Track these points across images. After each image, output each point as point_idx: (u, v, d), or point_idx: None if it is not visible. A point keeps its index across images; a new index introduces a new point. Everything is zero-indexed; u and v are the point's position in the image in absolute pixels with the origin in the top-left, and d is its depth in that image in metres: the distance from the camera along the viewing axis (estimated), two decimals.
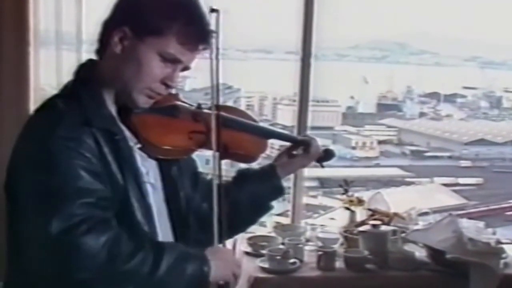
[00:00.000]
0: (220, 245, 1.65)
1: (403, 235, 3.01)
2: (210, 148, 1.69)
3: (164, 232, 1.66)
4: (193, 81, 4.97)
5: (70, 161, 1.45)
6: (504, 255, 2.90)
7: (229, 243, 1.70)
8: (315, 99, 5.95)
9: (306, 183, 5.98)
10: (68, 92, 1.59)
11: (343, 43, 6.25)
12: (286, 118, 5.09)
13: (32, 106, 2.91)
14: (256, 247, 3.01)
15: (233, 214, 1.74)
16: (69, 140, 1.47)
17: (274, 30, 5.55)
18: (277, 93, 5.91)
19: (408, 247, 2.99)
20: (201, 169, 1.90)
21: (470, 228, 2.94)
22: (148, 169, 1.65)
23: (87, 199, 1.44)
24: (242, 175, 1.94)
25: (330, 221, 4.26)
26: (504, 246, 3.06)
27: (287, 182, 3.66)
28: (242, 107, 6.02)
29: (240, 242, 3.20)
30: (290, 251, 2.90)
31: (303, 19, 3.53)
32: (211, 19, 1.62)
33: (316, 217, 5.46)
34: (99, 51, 1.63)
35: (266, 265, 2.86)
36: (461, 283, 2.78)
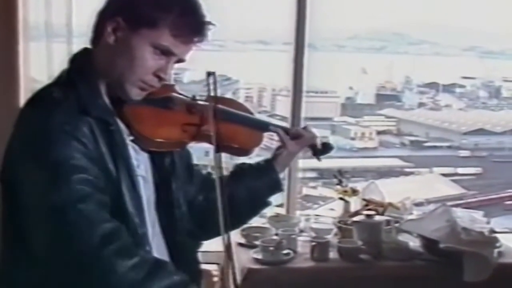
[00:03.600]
0: None
1: (397, 225, 3.01)
2: (204, 141, 1.68)
3: (152, 223, 1.65)
4: (192, 73, 4.96)
5: (68, 142, 1.46)
6: (497, 244, 2.89)
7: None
8: (313, 90, 5.95)
9: (307, 174, 5.96)
10: (64, 81, 1.58)
11: (342, 34, 6.22)
12: (285, 109, 5.07)
13: (22, 99, 2.89)
14: (250, 238, 3.01)
15: (231, 209, 1.72)
16: (66, 124, 1.47)
17: (273, 21, 5.53)
18: (276, 84, 5.89)
19: (402, 237, 2.98)
20: (197, 161, 1.88)
21: (464, 217, 2.94)
22: (140, 162, 1.64)
23: (85, 175, 1.45)
24: (239, 170, 1.91)
25: (329, 212, 4.22)
26: (500, 235, 3.05)
27: (282, 174, 3.67)
28: (241, 99, 6.00)
29: (234, 232, 3.20)
30: (283, 242, 2.89)
31: (296, 9, 3.50)
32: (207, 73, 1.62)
33: (316, 208, 5.45)
34: (93, 41, 1.61)
35: (259, 256, 2.85)
36: (455, 273, 2.77)
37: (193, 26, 1.58)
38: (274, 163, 1.91)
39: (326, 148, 1.98)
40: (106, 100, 1.60)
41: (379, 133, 6.42)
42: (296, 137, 1.92)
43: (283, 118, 4.00)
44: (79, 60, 1.61)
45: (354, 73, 6.51)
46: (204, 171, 1.90)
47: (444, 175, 6.34)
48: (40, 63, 2.79)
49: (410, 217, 3.08)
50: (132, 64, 1.55)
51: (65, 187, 1.43)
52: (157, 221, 1.69)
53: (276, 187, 1.93)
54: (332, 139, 6.27)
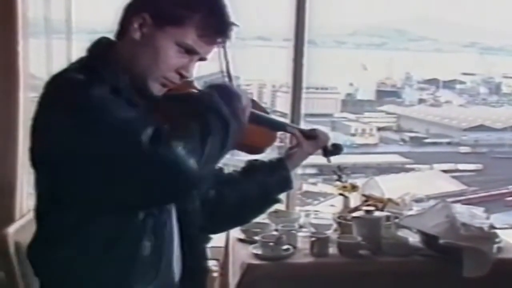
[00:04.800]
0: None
1: (396, 220, 3.00)
2: None
3: (168, 215, 1.66)
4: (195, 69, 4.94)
5: (115, 104, 1.45)
6: (497, 240, 2.89)
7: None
8: (313, 86, 5.96)
9: (307, 170, 5.96)
10: (85, 66, 1.57)
11: (342, 30, 6.21)
12: (285, 105, 5.07)
13: (22, 96, 2.88)
14: (249, 234, 3.00)
15: (241, 205, 1.78)
16: (105, 97, 1.46)
17: (273, 17, 5.52)
18: (276, 81, 5.89)
19: (402, 233, 2.97)
20: None
21: (464, 213, 2.93)
22: None
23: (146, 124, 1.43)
24: (250, 167, 1.93)
25: (329, 208, 4.23)
26: (500, 231, 3.05)
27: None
28: None
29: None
30: (283, 238, 2.88)
31: (295, 5, 3.49)
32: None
33: (316, 204, 5.45)
34: (118, 35, 1.62)
35: (259, 252, 2.84)
36: (454, 268, 2.76)
37: (219, 27, 1.59)
38: (287, 161, 1.94)
39: (336, 149, 2.01)
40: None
41: (379, 129, 6.43)
42: (312, 138, 1.94)
43: (283, 114, 4.00)
44: (101, 49, 1.61)
45: (354, 70, 6.52)
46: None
47: (445, 171, 6.34)
48: (39, 60, 2.78)
49: (409, 212, 3.07)
50: (156, 61, 1.56)
51: (138, 130, 1.40)
52: (173, 214, 1.69)
53: (286, 184, 1.95)
54: (332, 136, 6.27)
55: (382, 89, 6.57)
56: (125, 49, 1.59)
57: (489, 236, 2.84)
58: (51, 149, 1.48)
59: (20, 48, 2.91)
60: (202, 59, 1.63)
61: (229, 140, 1.50)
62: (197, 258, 1.76)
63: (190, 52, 1.58)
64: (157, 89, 1.60)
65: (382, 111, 6.56)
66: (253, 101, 1.94)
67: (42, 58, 2.91)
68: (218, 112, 1.50)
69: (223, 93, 1.56)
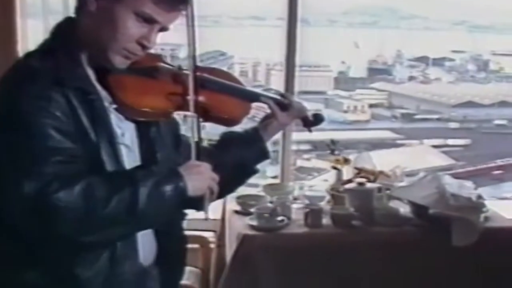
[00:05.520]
0: (195, 161, 1.59)
1: (388, 192, 3.02)
2: (189, 110, 1.62)
3: None
4: (186, 49, 4.92)
5: (40, 121, 1.41)
6: (484, 209, 2.92)
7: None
8: (307, 64, 5.94)
9: (301, 146, 5.96)
10: (45, 49, 1.54)
11: (334, 9, 6.19)
12: (279, 83, 5.07)
13: None
14: (245, 206, 3.03)
15: (219, 177, 1.68)
16: (40, 99, 1.43)
17: None
18: (270, 59, 5.87)
19: (393, 204, 3.01)
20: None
21: (452, 184, 2.96)
22: (124, 131, 1.60)
23: (57, 157, 1.41)
24: (226, 139, 1.88)
25: (323, 183, 4.25)
26: (487, 202, 3.07)
27: (276, 146, 3.67)
28: (236, 73, 5.98)
29: (230, 200, 3.22)
30: (278, 209, 2.91)
31: None
32: None
33: (310, 179, 5.46)
34: (77, 10, 1.57)
35: (254, 223, 2.87)
36: (443, 237, 2.80)
37: None
38: (262, 132, 1.88)
39: (317, 119, 1.96)
40: (88, 69, 1.56)
41: (371, 106, 6.41)
42: (287, 108, 1.89)
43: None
44: (61, 29, 1.57)
45: (346, 48, 6.48)
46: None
47: (434, 146, 6.35)
48: (38, 40, 2.76)
49: (400, 184, 3.10)
50: (114, 32, 1.50)
51: (34, 174, 1.38)
52: None
53: (263, 155, 1.90)
54: (325, 112, 6.25)
55: (373, 67, 6.54)
56: (83, 24, 1.54)
57: (476, 206, 2.88)
58: None
59: (19, 28, 2.88)
60: (164, 28, 1.56)
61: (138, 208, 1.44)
62: (172, 232, 1.69)
63: (149, 21, 1.51)
64: (119, 62, 1.55)
65: (373, 88, 6.53)
66: (226, 72, 1.92)
67: (40, 38, 2.89)
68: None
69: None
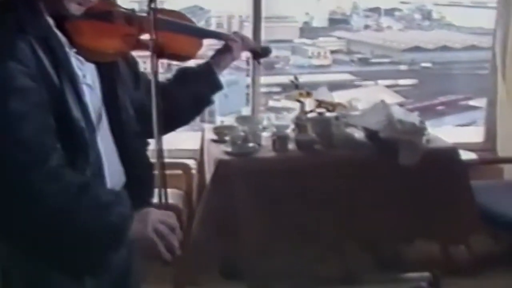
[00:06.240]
0: (150, 209, 1.44)
1: (344, 120, 2.99)
2: (144, 49, 1.53)
3: (102, 130, 1.51)
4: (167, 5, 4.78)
5: (6, 64, 1.30)
6: (426, 133, 2.90)
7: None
8: (275, 16, 5.85)
9: (273, 89, 5.92)
10: (2, 2, 1.40)
11: None
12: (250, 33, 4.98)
13: None
14: (221, 135, 2.98)
15: (176, 110, 1.63)
16: (4, 44, 1.32)
17: None
18: (243, 12, 5.75)
19: (349, 130, 2.97)
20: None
21: (400, 112, 2.93)
22: (85, 72, 1.49)
23: (21, 97, 1.30)
24: (181, 74, 1.79)
25: (289, 115, 4.21)
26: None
27: (247, 89, 3.72)
28: (213, 26, 5.85)
29: (207, 131, 3.17)
30: (249, 137, 2.87)
31: None
32: None
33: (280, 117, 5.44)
34: None
35: (229, 149, 2.84)
36: (392, 157, 2.80)
37: None
38: (214, 66, 1.79)
39: (265, 51, 1.90)
40: (47, 18, 1.44)
41: (332, 52, 6.34)
42: (235, 42, 1.80)
43: None
44: None
45: (309, 1, 6.38)
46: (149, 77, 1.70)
47: (387, 86, 6.33)
48: None
49: (355, 113, 3.07)
50: None
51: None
52: (106, 126, 1.55)
53: (216, 86, 1.81)
54: (292, 59, 6.21)
55: (333, 17, 6.44)
56: None
57: (420, 130, 2.87)
58: None
59: None
60: None
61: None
62: (138, 162, 1.59)
63: None
64: (74, 9, 1.43)
65: (334, 36, 6.45)
66: (177, 12, 1.80)
67: None
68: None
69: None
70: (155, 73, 1.51)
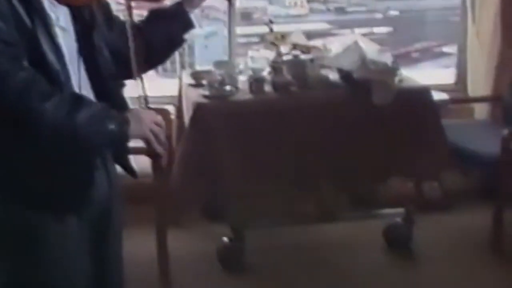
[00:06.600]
0: (139, 108, 1.57)
1: (319, 62, 3.02)
2: None
3: (75, 70, 1.54)
4: None
5: None
6: (398, 73, 2.95)
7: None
8: None
9: (252, 39, 5.91)
10: None
11: None
12: None
13: None
14: (198, 80, 3.01)
15: (150, 51, 1.65)
16: None
17: None
18: None
19: (324, 71, 3.00)
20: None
21: (372, 52, 2.96)
22: (59, 15, 1.50)
23: None
24: (153, 15, 1.79)
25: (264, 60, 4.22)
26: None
27: (225, 41, 3.73)
28: None
29: (185, 76, 3.19)
30: (226, 80, 2.89)
31: None
32: None
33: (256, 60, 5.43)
34: None
35: (206, 92, 2.87)
36: (366, 97, 2.84)
37: None
38: (185, 5, 1.79)
39: None
40: None
41: (308, 1, 6.31)
42: None
43: None
44: None
45: None
46: (123, 19, 1.73)
47: (363, 34, 6.33)
48: None
49: (329, 55, 3.09)
50: None
51: None
52: (81, 68, 1.57)
53: (188, 25, 1.81)
54: (270, 9, 6.18)
55: None
56: None
57: (392, 70, 2.91)
58: None
59: None
60: None
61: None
62: (115, 106, 1.58)
63: None
64: None
65: None
66: None
67: None
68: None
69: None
70: (131, 17, 1.56)
